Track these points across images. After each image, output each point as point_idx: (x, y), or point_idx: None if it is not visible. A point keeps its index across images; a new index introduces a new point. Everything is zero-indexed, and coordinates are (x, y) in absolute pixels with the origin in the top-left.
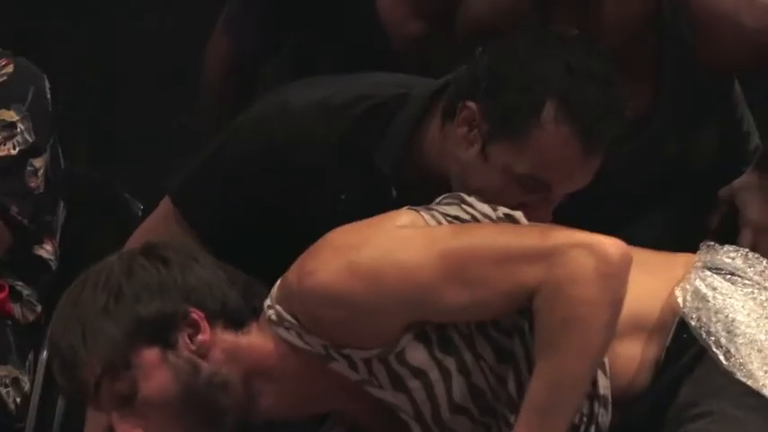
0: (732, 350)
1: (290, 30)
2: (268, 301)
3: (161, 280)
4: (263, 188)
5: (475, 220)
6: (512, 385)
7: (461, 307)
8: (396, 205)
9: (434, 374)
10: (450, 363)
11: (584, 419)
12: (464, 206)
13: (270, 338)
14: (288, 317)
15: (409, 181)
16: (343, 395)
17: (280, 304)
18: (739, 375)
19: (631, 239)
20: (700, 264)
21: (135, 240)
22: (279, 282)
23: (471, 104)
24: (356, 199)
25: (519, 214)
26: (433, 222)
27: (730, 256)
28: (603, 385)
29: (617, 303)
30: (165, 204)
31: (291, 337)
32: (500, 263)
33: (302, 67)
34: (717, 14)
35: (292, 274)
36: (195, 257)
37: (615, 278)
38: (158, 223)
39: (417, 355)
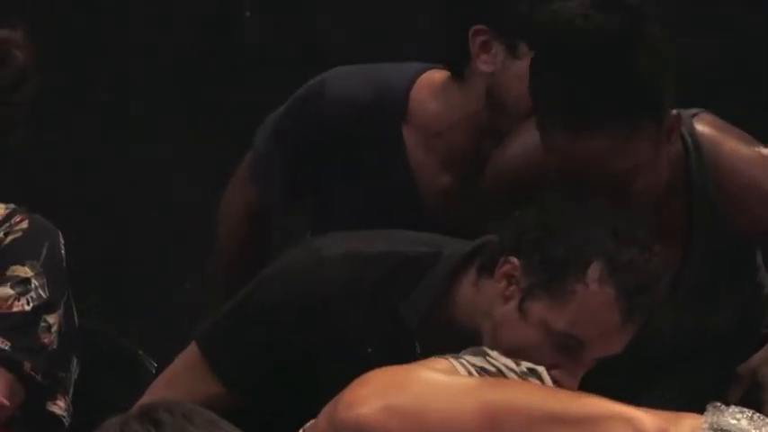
0: None
1: (316, 176)
2: None
3: None
4: (289, 339)
5: (500, 372)
6: None
7: None
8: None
9: None
10: None
11: None
12: (488, 358)
13: None
14: None
15: (433, 339)
16: None
17: None
18: None
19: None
20: (706, 425)
21: (157, 387)
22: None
23: (513, 259)
24: (381, 352)
25: (541, 368)
26: (463, 371)
27: (736, 417)
28: None
29: None
30: (192, 350)
31: None
32: (536, 420)
33: (322, 220)
34: (744, 184)
35: (325, 414)
36: (191, 419)
37: None
38: (182, 370)
39: None
